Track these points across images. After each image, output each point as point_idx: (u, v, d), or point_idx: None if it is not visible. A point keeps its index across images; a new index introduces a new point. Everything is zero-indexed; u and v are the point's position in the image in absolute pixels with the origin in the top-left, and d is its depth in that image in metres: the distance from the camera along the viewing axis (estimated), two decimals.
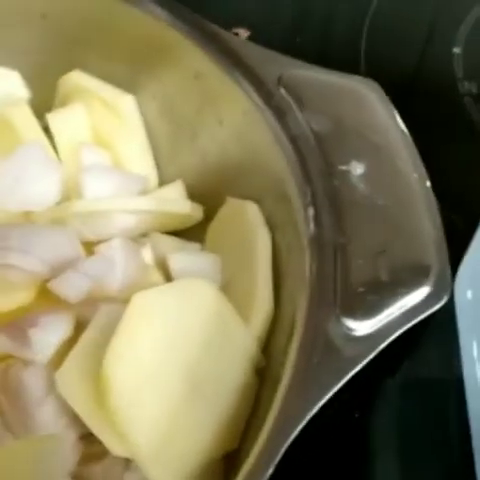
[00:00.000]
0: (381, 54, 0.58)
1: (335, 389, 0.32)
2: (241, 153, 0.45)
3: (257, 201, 0.44)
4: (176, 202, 0.47)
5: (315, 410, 0.32)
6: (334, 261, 0.36)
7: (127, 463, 0.38)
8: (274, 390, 0.38)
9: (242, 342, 0.40)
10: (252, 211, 0.44)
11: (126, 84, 0.50)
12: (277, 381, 0.39)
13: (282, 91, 0.41)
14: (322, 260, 0.36)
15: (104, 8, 0.48)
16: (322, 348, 0.33)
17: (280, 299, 0.41)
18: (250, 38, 0.60)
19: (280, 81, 0.42)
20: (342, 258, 0.36)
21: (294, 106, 0.41)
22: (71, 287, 0.40)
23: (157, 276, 0.45)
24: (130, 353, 0.37)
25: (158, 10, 0.45)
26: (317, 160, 0.39)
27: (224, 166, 0.47)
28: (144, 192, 0.49)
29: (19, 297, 0.41)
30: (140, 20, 0.47)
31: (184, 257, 0.45)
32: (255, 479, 0.30)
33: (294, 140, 0.40)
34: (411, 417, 0.43)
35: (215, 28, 0.44)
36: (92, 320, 0.39)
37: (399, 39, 0.59)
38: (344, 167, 0.38)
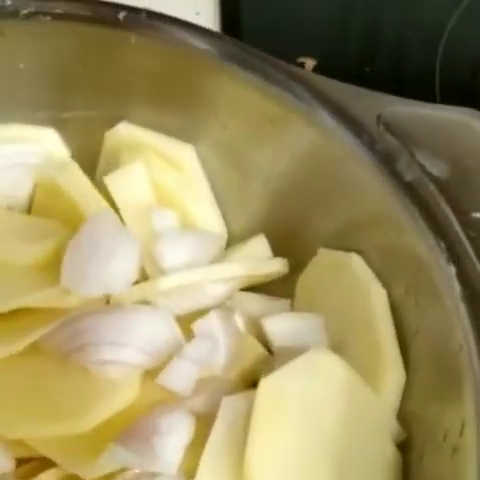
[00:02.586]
0: (457, 79, 0.55)
1: None
2: (334, 200, 0.41)
3: (359, 252, 0.40)
4: (265, 262, 0.43)
5: None
6: None
7: None
8: (426, 463, 0.35)
9: (377, 415, 0.37)
10: (357, 264, 0.40)
11: (180, 132, 0.46)
12: (423, 454, 0.35)
13: (385, 132, 0.37)
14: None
15: (150, 52, 0.43)
16: None
17: (409, 361, 0.37)
18: (317, 68, 0.56)
19: (380, 121, 0.38)
20: None
21: (402, 148, 0.37)
22: (181, 378, 0.36)
23: (253, 342, 0.41)
24: (271, 446, 0.34)
25: (225, 54, 0.41)
26: (443, 208, 0.35)
27: (310, 214, 0.43)
28: (220, 250, 0.44)
29: (123, 396, 0.36)
30: (200, 65, 0.42)
31: (280, 320, 0.41)
32: None
33: (410, 187, 0.36)
34: None
35: (291, 67, 0.40)
36: (218, 417, 0.35)
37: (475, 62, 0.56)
38: (478, 214, 0.34)
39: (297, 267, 0.43)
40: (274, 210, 0.45)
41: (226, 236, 0.46)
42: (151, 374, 0.37)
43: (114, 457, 0.34)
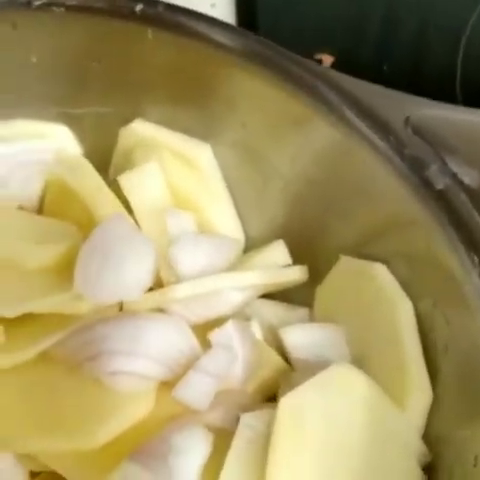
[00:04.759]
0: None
1: None
2: (357, 206, 0.39)
3: (383, 261, 0.38)
4: (284, 270, 0.41)
5: None
6: None
7: None
8: None
9: (402, 435, 0.35)
10: (382, 274, 0.38)
11: (197, 130, 0.44)
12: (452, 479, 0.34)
13: (413, 136, 0.36)
14: None
15: (167, 47, 0.41)
16: None
17: (437, 380, 0.36)
18: (334, 65, 0.54)
19: (408, 124, 0.36)
20: None
21: (433, 154, 0.35)
22: (198, 392, 0.35)
23: (271, 353, 0.39)
24: (292, 466, 0.32)
25: (247, 50, 0.39)
26: (477, 220, 0.33)
27: (331, 220, 0.41)
28: (237, 255, 0.43)
29: (137, 409, 0.34)
30: (219, 61, 0.40)
31: (299, 330, 0.40)
32: None
33: (442, 196, 0.34)
34: None
35: (315, 65, 0.38)
36: (236, 435, 0.33)
37: None
38: None
39: (317, 275, 0.42)
40: (294, 215, 0.43)
41: (244, 241, 0.44)
42: (166, 386, 0.36)
43: (127, 475, 0.32)
